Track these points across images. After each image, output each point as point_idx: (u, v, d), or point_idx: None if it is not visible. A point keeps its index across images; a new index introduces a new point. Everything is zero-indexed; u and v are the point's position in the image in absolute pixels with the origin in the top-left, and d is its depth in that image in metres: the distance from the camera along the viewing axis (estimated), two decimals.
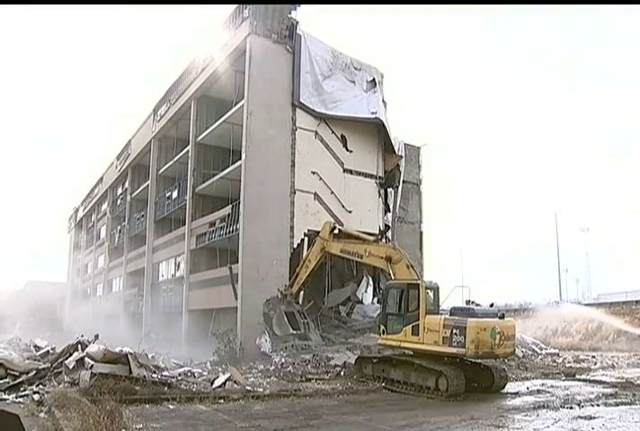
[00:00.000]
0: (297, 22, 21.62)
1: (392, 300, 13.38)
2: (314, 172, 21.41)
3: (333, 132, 22.42)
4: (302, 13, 21.98)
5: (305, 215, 20.72)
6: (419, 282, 12.95)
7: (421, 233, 26.85)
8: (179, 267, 25.76)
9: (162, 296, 27.10)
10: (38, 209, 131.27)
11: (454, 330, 11.60)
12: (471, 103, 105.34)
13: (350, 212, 22.15)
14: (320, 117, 21.97)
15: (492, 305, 13.14)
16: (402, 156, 25.28)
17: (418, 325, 12.36)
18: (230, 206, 21.15)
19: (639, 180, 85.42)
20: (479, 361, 12.40)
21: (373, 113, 23.03)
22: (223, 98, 23.49)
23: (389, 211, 24.61)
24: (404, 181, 25.69)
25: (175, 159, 27.09)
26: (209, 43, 23.82)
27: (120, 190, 38.21)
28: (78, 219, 50.41)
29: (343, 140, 22.88)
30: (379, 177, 24.14)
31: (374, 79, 24.19)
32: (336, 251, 16.66)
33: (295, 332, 17.40)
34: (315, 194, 21.28)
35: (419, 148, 27.41)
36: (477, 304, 12.65)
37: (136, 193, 33.45)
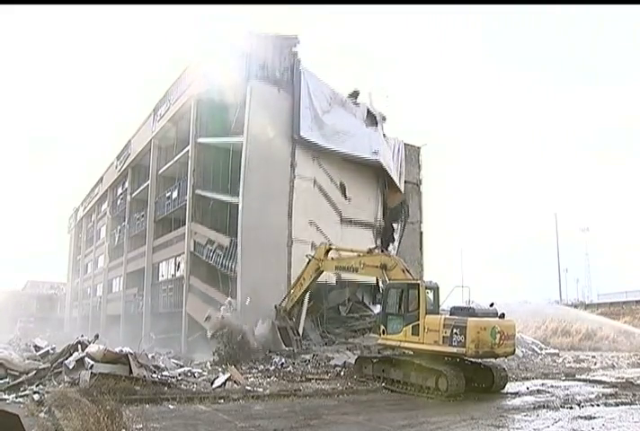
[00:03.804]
0: (299, 60, 21.90)
1: (392, 300, 13.39)
2: (311, 222, 21.53)
3: (332, 180, 22.58)
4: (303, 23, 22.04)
5: (302, 263, 19.44)
6: (419, 282, 13.00)
7: (421, 233, 26.88)
8: (179, 267, 25.74)
9: (162, 296, 27.08)
10: (38, 209, 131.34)
11: (454, 330, 11.61)
12: (471, 103, 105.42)
13: None
14: (320, 151, 21.99)
15: (492, 305, 13.11)
16: (404, 194, 25.41)
17: (418, 325, 12.36)
18: (228, 239, 21.02)
19: (639, 180, 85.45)
20: (479, 361, 12.42)
21: (375, 152, 23.10)
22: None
23: (393, 241, 24.74)
24: (405, 182, 25.75)
25: (175, 159, 27.06)
26: (209, 43, 23.74)
27: (120, 190, 38.15)
28: (78, 219, 50.33)
29: (342, 188, 23.11)
30: (378, 225, 24.37)
31: (375, 117, 24.23)
32: (332, 270, 16.92)
33: (287, 349, 16.85)
34: (313, 244, 20.70)
35: (419, 148, 27.43)
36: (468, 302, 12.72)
37: (136, 193, 33.39)
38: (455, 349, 11.59)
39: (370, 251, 15.69)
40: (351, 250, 16.70)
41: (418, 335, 12.31)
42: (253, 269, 19.54)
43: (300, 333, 18.34)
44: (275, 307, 17.88)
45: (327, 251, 17.12)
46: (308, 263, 17.43)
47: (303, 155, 21.70)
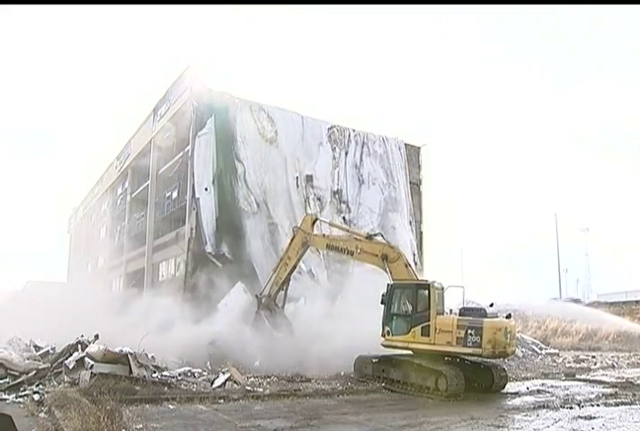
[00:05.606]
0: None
1: (398, 300, 13.15)
2: None
3: None
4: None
5: None
6: (429, 282, 12.78)
7: (421, 233, 26.84)
8: (179, 267, 25.71)
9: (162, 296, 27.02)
10: (38, 209, 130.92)
11: (469, 331, 11.57)
12: (471, 103, 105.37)
13: None
14: None
15: (491, 305, 13.08)
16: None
17: (428, 326, 12.21)
18: None
19: (639, 180, 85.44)
20: (479, 360, 12.41)
21: None
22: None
23: None
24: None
25: (175, 159, 27.05)
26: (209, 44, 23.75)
27: (119, 190, 38.15)
28: (78, 219, 50.36)
29: None
30: None
31: None
32: (321, 247, 15.28)
33: (279, 335, 15.78)
34: None
35: (419, 148, 27.42)
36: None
37: (136, 193, 33.38)
38: (470, 350, 11.57)
39: (370, 238, 14.21)
40: (347, 230, 15.72)
41: (429, 336, 12.15)
42: None
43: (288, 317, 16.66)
44: (256, 296, 16.50)
45: (313, 223, 15.63)
46: (293, 238, 15.75)
47: None
